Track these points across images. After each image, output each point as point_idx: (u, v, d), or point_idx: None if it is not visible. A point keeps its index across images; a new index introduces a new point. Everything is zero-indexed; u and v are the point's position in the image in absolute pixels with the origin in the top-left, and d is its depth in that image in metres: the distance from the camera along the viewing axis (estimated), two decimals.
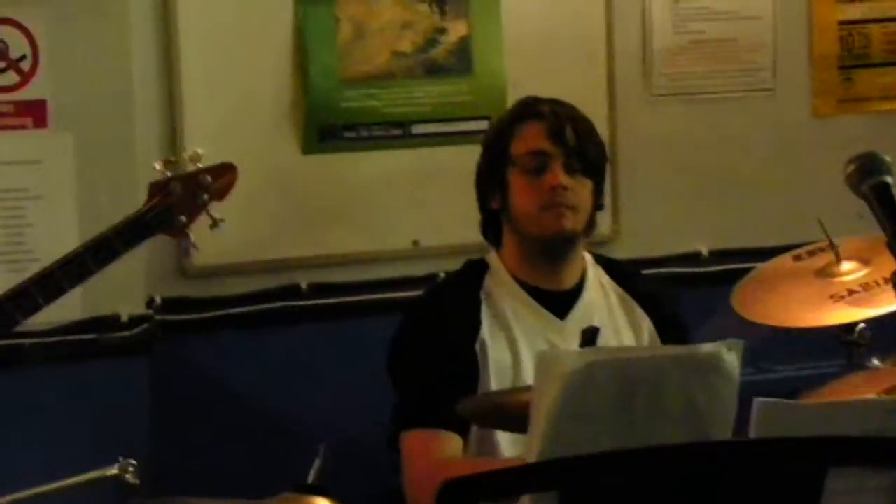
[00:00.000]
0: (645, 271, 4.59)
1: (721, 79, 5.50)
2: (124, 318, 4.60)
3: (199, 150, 3.86)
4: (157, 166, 3.68)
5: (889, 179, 2.93)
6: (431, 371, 4.00)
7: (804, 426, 2.63)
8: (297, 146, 4.94)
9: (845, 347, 4.26)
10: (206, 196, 3.69)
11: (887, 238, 2.84)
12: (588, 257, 4.13)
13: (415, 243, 5.00)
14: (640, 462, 2.53)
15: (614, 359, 3.02)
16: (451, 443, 3.92)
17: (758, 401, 2.56)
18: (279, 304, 5.02)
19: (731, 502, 2.59)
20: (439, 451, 3.91)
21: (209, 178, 3.69)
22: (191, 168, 3.75)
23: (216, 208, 3.69)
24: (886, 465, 2.57)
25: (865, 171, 2.92)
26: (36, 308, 3.55)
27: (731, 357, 2.79)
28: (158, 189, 3.66)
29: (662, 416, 2.72)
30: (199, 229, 4.04)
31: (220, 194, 3.73)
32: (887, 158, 2.96)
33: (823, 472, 2.52)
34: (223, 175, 3.74)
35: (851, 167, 2.94)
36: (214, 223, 3.69)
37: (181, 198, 3.68)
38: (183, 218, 3.66)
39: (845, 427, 2.66)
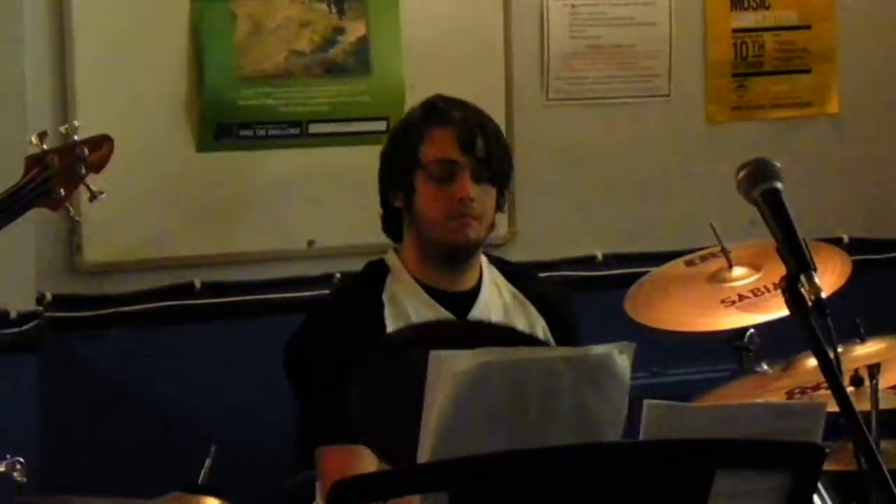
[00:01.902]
0: (541, 274, 4.42)
1: (617, 84, 5.51)
2: (13, 314, 4.50)
3: (76, 123, 3.77)
4: (33, 139, 3.60)
5: (779, 185, 2.84)
6: (339, 381, 3.58)
7: (693, 428, 2.54)
8: (193, 144, 4.84)
9: (735, 352, 4.25)
10: (83, 168, 3.59)
11: (777, 244, 2.74)
12: (483, 259, 4.02)
13: (310, 243, 4.97)
14: (530, 462, 2.47)
15: (507, 360, 2.77)
16: (370, 457, 3.63)
17: (647, 402, 2.47)
18: (172, 302, 4.94)
19: (619, 503, 2.53)
20: (359, 468, 3.62)
21: (86, 150, 3.60)
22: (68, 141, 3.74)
23: (94, 181, 3.60)
24: (773, 468, 2.54)
25: (756, 177, 2.84)
26: None
27: (622, 359, 2.63)
28: (35, 162, 3.58)
29: (553, 418, 2.58)
30: (89, 223, 4.30)
31: (98, 166, 3.63)
32: (777, 165, 2.86)
33: (711, 474, 2.48)
34: (100, 147, 3.66)
35: (742, 173, 2.85)
36: (93, 196, 3.61)
37: (58, 170, 3.60)
38: (61, 191, 3.59)
39: (733, 430, 2.57)
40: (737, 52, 5.68)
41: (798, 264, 2.68)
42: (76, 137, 3.64)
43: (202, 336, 4.88)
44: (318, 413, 3.87)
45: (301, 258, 4.95)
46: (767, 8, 5.74)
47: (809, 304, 2.66)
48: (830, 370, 2.65)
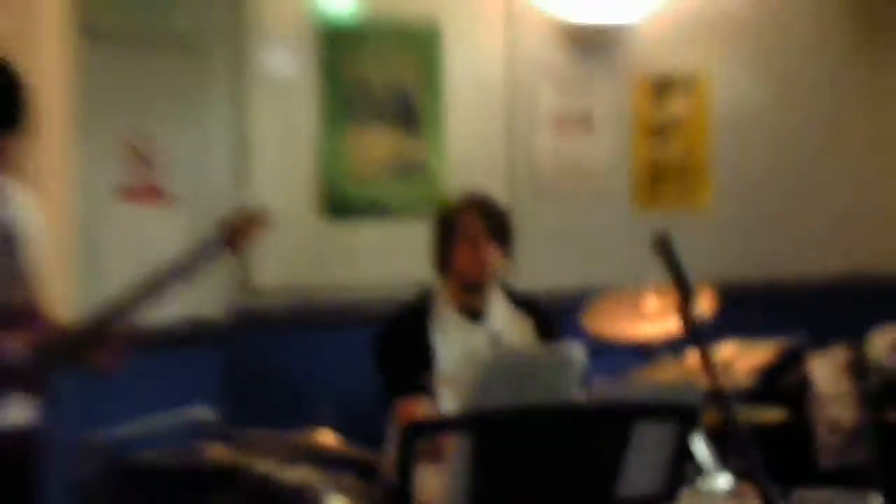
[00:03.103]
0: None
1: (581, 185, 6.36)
2: (206, 320, 5.32)
3: (250, 203, 4.73)
4: (224, 214, 4.33)
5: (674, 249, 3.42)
6: (404, 357, 4.74)
7: (622, 396, 3.44)
8: (316, 214, 5.75)
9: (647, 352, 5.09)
10: (251, 232, 4.32)
11: (676, 282, 3.41)
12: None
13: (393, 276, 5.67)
14: (521, 414, 3.22)
15: (510, 353, 4.08)
16: (425, 403, 4.58)
17: (597, 381, 3.49)
18: (306, 313, 5.64)
19: (574, 442, 3.20)
20: (419, 409, 4.54)
21: (254, 222, 4.33)
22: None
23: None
24: (670, 420, 3.26)
25: (660, 244, 3.39)
26: (138, 306, 4.12)
27: (578, 352, 3.63)
28: (222, 226, 4.28)
29: (538, 387, 3.45)
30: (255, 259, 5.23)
31: (260, 230, 4.36)
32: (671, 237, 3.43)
33: (633, 422, 3.20)
34: (262, 220, 4.38)
35: (654, 240, 3.42)
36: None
37: (237, 232, 4.27)
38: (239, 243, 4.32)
39: (647, 397, 3.45)
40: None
41: (685, 292, 3.38)
42: (248, 211, 4.42)
43: (328, 338, 5.54)
44: (394, 380, 4.71)
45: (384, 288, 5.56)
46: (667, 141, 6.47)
47: (693, 319, 3.39)
48: (706, 358, 3.42)
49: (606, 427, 3.25)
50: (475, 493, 3.12)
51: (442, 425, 3.51)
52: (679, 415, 3.29)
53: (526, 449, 3.16)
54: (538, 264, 5.83)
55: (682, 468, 3.42)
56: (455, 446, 3.14)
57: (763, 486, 3.20)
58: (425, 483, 3.30)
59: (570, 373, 3.48)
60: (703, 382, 3.51)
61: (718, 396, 3.45)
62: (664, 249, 3.41)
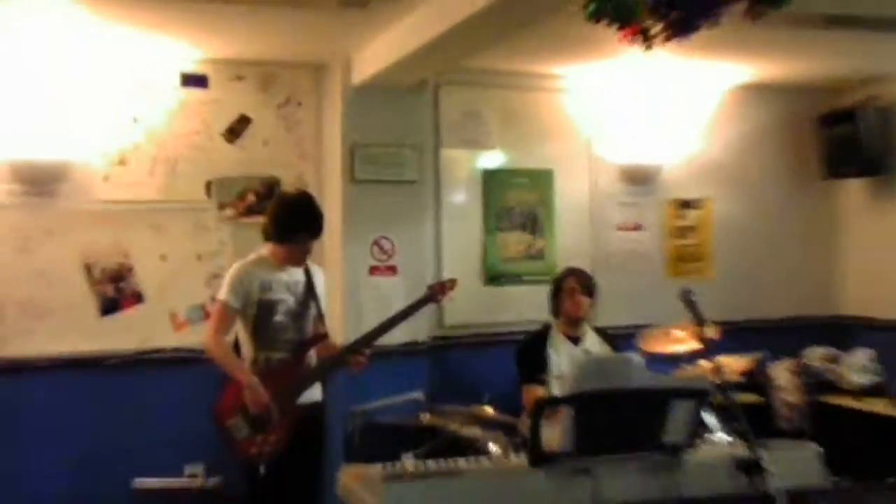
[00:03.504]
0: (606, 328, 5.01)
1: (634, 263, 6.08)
2: (420, 341, 5.31)
3: (445, 274, 4.83)
4: (429, 280, 4.69)
5: (693, 297, 3.42)
6: (535, 365, 4.74)
7: (663, 384, 3.41)
8: (482, 282, 5.64)
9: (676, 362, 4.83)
10: (448, 291, 4.46)
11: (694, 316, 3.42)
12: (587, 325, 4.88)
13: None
14: (604, 396, 3.24)
15: (599, 358, 4.23)
16: (540, 390, 4.64)
17: (646, 374, 3.39)
18: (473, 340, 5.56)
19: (635, 410, 3.23)
20: (537, 392, 4.60)
21: (449, 285, 4.47)
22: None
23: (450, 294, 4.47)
24: (691, 398, 3.30)
25: (683, 295, 3.43)
26: (375, 339, 4.30)
27: (637, 358, 3.73)
28: (430, 289, 4.48)
29: (614, 378, 3.32)
30: (448, 306, 5.05)
31: (451, 289, 4.47)
32: (692, 290, 3.43)
33: (670, 399, 3.28)
34: (454, 283, 4.51)
35: (680, 293, 3.43)
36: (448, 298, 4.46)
37: (437, 291, 4.44)
38: (439, 298, 4.47)
39: (676, 384, 3.61)
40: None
41: (700, 323, 3.45)
42: (445, 279, 4.61)
43: (489, 353, 5.43)
44: (525, 376, 4.72)
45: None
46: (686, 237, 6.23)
47: (707, 341, 3.58)
48: (713, 363, 3.68)
49: (653, 401, 3.31)
50: (577, 442, 3.21)
51: (557, 401, 3.58)
52: (696, 394, 3.34)
53: (607, 415, 3.24)
54: (611, 310, 5.62)
55: (698, 429, 3.47)
56: (564, 414, 3.25)
57: (748, 439, 3.17)
58: (546, 436, 3.31)
59: (634, 368, 3.42)
60: (711, 378, 3.68)
61: (721, 387, 3.59)
62: (686, 297, 3.45)
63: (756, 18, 2.63)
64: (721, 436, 4.12)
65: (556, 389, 4.53)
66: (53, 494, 4.92)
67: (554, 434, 3.24)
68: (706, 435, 4.04)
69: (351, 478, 3.40)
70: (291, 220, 4.25)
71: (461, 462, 3.44)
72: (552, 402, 3.53)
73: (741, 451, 3.18)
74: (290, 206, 4.34)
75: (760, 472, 2.98)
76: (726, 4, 2.69)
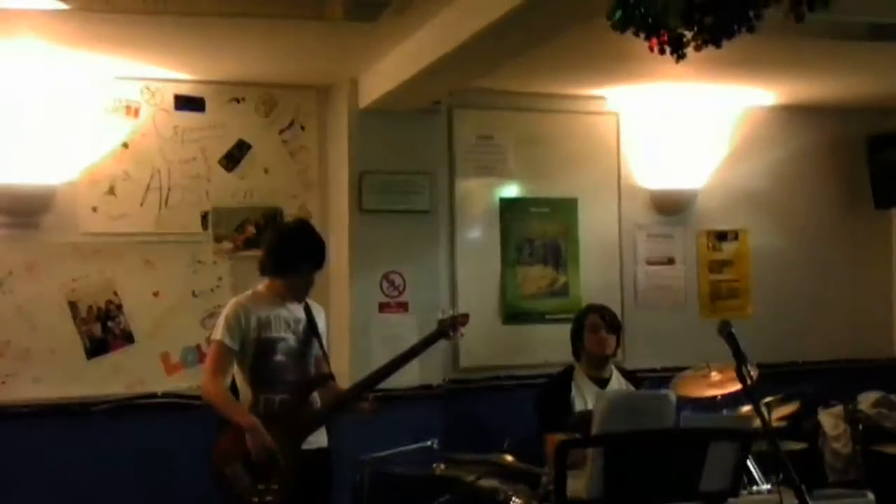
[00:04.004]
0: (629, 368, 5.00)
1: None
2: (434, 385, 5.32)
3: (457, 308, 4.57)
4: (440, 314, 4.38)
5: (733, 331, 3.29)
6: (553, 408, 4.62)
7: (703, 423, 3.43)
8: (502, 320, 5.62)
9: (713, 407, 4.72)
10: (460, 327, 4.36)
11: (735, 355, 3.28)
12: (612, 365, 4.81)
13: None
14: (638, 437, 3.23)
15: (627, 394, 4.16)
16: (562, 437, 4.06)
17: (684, 414, 3.46)
18: (497, 382, 5.56)
19: (670, 453, 3.19)
20: (559, 440, 4.17)
21: (460, 321, 4.36)
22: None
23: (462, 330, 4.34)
24: (733, 440, 3.27)
25: (722, 329, 3.30)
26: (384, 378, 4.20)
27: (672, 396, 3.60)
28: (441, 324, 4.35)
29: (646, 418, 3.38)
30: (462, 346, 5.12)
31: (463, 324, 4.38)
32: (730, 324, 3.26)
33: (709, 441, 3.22)
34: (466, 318, 4.41)
35: (719, 328, 3.29)
36: (460, 335, 4.35)
37: (449, 326, 4.34)
38: (451, 333, 4.34)
39: (717, 423, 3.56)
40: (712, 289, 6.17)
41: (741, 360, 3.25)
42: (457, 313, 4.41)
43: (508, 397, 5.38)
44: (546, 420, 4.56)
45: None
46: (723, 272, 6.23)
47: (748, 379, 3.26)
48: (756, 404, 3.33)
49: (691, 444, 3.24)
50: (606, 488, 3.14)
51: (584, 442, 3.49)
52: (739, 437, 3.27)
53: (639, 457, 3.16)
54: (640, 352, 5.76)
55: (742, 474, 3.43)
56: (592, 456, 3.18)
57: (798, 488, 3.07)
58: (573, 485, 3.25)
59: (667, 408, 3.39)
60: (752, 418, 3.47)
61: (765, 433, 3.38)
62: (725, 331, 3.33)
63: (799, 19, 2.54)
64: (765, 487, 4.09)
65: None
66: None
67: (581, 481, 3.18)
68: (749, 487, 4.03)
69: None
70: (291, 251, 4.17)
71: None
72: (578, 444, 3.45)
73: (789, 500, 3.12)
74: (288, 235, 4.27)
75: None
76: (765, 6, 2.59)
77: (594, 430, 3.32)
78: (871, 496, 3.58)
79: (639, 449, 3.16)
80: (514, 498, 3.98)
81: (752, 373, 3.52)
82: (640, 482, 3.13)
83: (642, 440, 3.16)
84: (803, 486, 3.01)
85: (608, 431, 3.22)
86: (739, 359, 3.27)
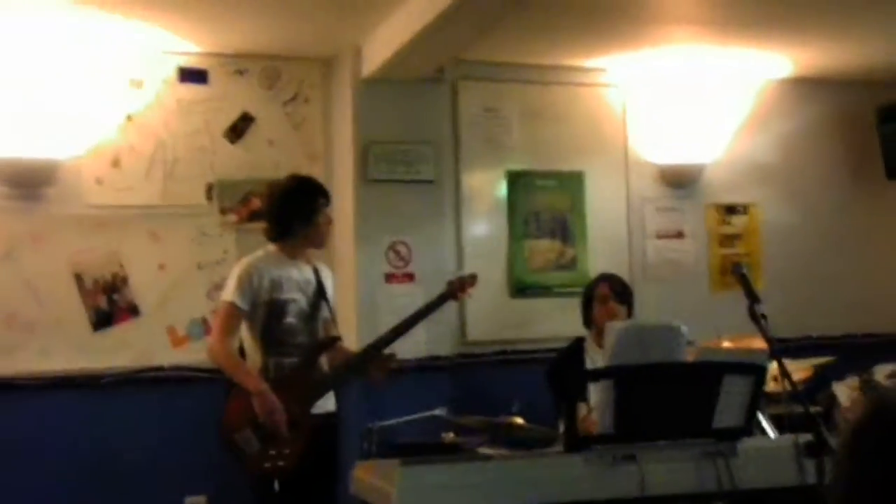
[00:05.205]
0: None
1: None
2: (441, 355, 5.41)
3: (465, 271, 4.74)
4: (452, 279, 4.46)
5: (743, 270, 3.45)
6: (561, 374, 4.49)
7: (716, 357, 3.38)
8: (508, 294, 5.66)
9: None
10: (468, 287, 4.44)
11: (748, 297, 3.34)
12: None
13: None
14: (649, 370, 3.18)
15: (638, 326, 3.84)
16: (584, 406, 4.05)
17: (698, 348, 3.41)
18: (494, 358, 5.58)
19: (682, 388, 3.17)
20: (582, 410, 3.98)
21: (469, 281, 4.44)
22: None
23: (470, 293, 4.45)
24: (747, 374, 3.23)
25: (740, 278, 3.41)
26: (393, 340, 4.25)
27: (684, 328, 3.44)
28: (450, 285, 4.41)
29: (656, 350, 3.27)
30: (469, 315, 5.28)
31: (472, 285, 4.44)
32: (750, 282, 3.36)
33: (722, 375, 3.21)
34: (474, 280, 4.48)
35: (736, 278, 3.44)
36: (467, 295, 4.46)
37: (457, 287, 4.40)
38: (458, 294, 4.43)
39: (730, 358, 3.37)
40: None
41: (753, 298, 3.34)
42: (465, 274, 4.55)
43: (514, 370, 5.43)
44: (557, 390, 4.43)
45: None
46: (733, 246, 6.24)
47: (759, 316, 3.28)
48: (770, 342, 3.25)
49: (704, 378, 3.22)
50: (618, 424, 3.12)
51: (595, 374, 3.55)
52: (752, 371, 3.23)
53: (651, 392, 3.17)
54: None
55: (756, 412, 3.34)
56: (603, 388, 3.17)
57: (816, 424, 3.04)
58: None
59: (678, 341, 3.35)
60: (766, 351, 3.38)
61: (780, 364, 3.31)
62: (738, 271, 3.49)
63: None
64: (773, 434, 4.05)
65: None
66: None
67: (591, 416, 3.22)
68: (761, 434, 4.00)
69: (365, 471, 3.39)
70: (296, 204, 4.28)
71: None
72: (589, 376, 3.49)
73: (806, 437, 3.09)
74: (286, 190, 4.35)
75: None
76: None
77: (605, 362, 3.32)
78: None
79: (650, 383, 3.14)
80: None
81: (764, 314, 3.53)
82: (652, 417, 3.13)
83: (654, 373, 3.14)
84: (822, 429, 3.00)
85: (618, 364, 3.18)
86: (752, 298, 3.34)
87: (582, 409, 4.13)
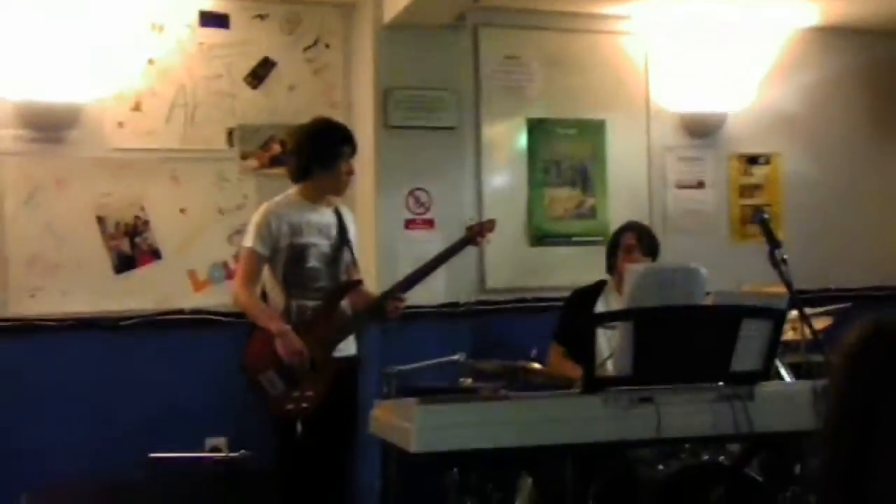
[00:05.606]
0: None
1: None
2: (461, 302, 5.44)
3: (483, 216, 4.86)
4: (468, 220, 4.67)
5: (766, 217, 3.59)
6: (570, 320, 4.51)
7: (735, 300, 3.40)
8: (527, 242, 5.71)
9: None
10: (486, 232, 4.49)
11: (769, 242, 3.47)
12: None
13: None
14: (668, 312, 3.22)
15: (657, 269, 3.91)
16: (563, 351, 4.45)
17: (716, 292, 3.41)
18: (512, 305, 5.65)
19: (701, 331, 3.18)
20: (560, 353, 4.48)
21: (487, 226, 4.49)
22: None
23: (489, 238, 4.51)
24: (765, 318, 3.25)
25: (761, 222, 3.55)
26: (415, 283, 4.33)
27: (703, 270, 3.48)
28: (468, 230, 4.51)
29: (675, 292, 3.30)
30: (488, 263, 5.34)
31: (490, 231, 4.51)
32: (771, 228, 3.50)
33: (741, 318, 3.24)
34: (492, 225, 4.54)
35: (758, 225, 3.58)
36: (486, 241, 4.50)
37: (476, 233, 4.46)
38: (478, 240, 4.49)
39: (750, 301, 3.37)
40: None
41: (774, 244, 3.47)
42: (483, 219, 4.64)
43: (531, 318, 5.39)
44: (562, 326, 4.58)
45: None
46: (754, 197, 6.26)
47: (779, 261, 3.43)
48: (790, 286, 3.42)
49: (723, 321, 3.24)
50: (636, 366, 3.15)
51: (612, 316, 3.50)
52: (771, 315, 3.24)
53: (669, 334, 3.20)
54: None
55: (774, 356, 3.35)
56: (621, 331, 3.20)
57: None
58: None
59: (698, 282, 3.37)
60: (785, 295, 3.46)
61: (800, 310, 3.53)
62: (759, 217, 3.59)
63: None
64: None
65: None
66: (62, 465, 4.93)
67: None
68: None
69: (384, 411, 3.45)
70: (329, 140, 4.31)
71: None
72: (607, 318, 3.50)
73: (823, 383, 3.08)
74: (320, 128, 4.41)
75: None
76: None
77: (624, 305, 3.34)
78: None
79: (668, 326, 3.16)
80: None
81: (784, 258, 3.60)
82: (670, 360, 3.16)
83: (672, 315, 3.16)
84: None
85: (637, 306, 3.21)
86: (772, 243, 3.46)
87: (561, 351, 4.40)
